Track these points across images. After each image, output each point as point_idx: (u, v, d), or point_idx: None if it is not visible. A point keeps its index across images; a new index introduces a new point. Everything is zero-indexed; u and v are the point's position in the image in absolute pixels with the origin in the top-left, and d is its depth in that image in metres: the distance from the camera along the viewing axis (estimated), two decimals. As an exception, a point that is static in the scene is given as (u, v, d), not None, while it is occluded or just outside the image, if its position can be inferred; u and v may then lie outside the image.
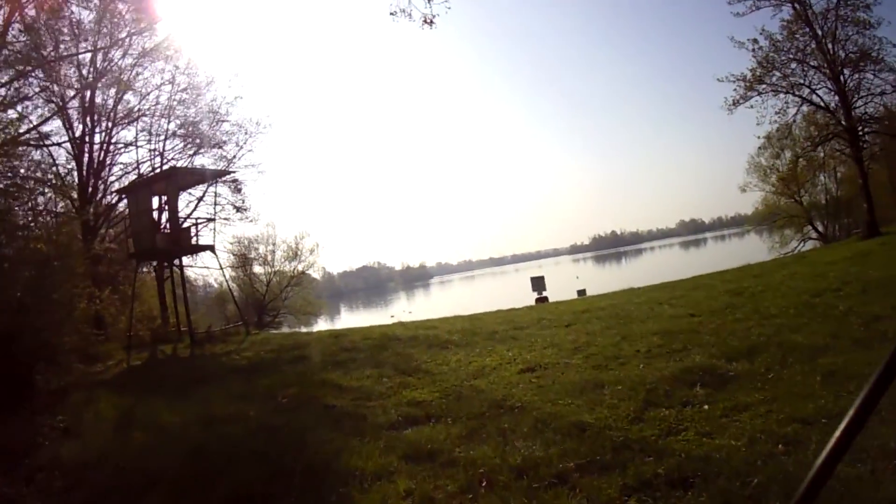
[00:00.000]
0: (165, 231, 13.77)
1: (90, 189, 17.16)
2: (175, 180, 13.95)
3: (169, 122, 18.41)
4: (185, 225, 14.62)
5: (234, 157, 19.32)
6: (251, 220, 20.25)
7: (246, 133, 19.34)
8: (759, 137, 25.61)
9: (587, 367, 6.21)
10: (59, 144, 15.37)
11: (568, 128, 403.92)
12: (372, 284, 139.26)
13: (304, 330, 25.16)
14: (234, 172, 17.89)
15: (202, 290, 34.33)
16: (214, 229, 14.86)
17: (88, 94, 15.93)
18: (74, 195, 15.46)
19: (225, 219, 20.72)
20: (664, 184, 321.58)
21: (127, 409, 7.00)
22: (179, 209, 17.78)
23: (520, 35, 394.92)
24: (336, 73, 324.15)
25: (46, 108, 14.89)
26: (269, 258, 34.41)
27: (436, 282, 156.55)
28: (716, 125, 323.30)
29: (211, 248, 14.44)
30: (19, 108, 13.50)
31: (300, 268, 34.82)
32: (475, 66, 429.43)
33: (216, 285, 34.68)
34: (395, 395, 6.32)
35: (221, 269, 15.36)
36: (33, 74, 13.15)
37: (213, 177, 15.68)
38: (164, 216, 14.82)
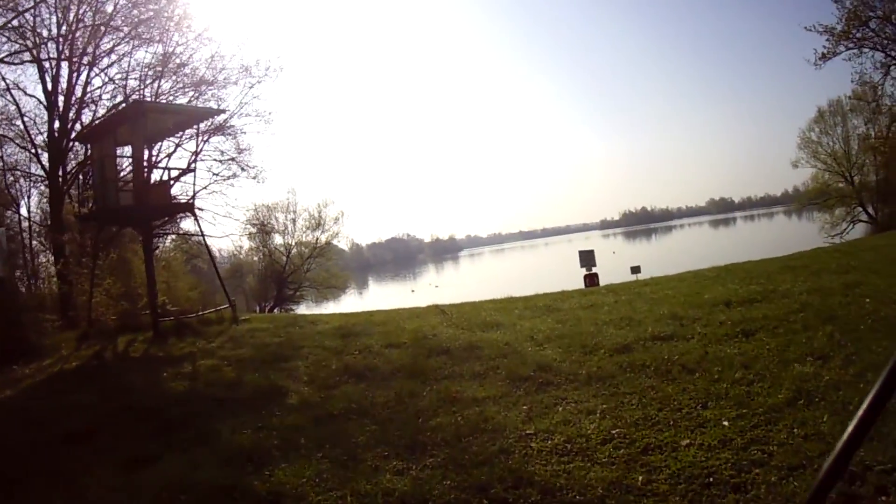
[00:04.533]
0: (130, 188, 10.40)
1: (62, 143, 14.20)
2: (141, 120, 10.49)
3: (164, 66, 15.24)
4: (159, 179, 11.31)
5: (238, 104, 16.12)
6: (255, 178, 16.97)
7: (250, 75, 16.10)
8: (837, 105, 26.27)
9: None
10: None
11: (596, 103, 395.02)
12: (401, 256, 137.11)
13: (315, 311, 21.81)
14: (222, 112, 14.45)
15: (226, 261, 31.48)
16: (194, 184, 11.53)
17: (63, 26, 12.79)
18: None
19: (228, 179, 17.59)
20: (694, 161, 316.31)
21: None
22: (174, 166, 14.70)
23: (548, 12, 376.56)
24: (366, 41, 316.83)
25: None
26: (290, 227, 31.53)
27: (465, 254, 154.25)
28: (745, 104, 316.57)
29: (188, 207, 11.12)
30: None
31: (323, 238, 31.97)
32: (505, 41, 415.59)
33: (240, 256, 31.90)
34: None
35: (203, 234, 11.97)
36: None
37: (192, 118, 12.20)
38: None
